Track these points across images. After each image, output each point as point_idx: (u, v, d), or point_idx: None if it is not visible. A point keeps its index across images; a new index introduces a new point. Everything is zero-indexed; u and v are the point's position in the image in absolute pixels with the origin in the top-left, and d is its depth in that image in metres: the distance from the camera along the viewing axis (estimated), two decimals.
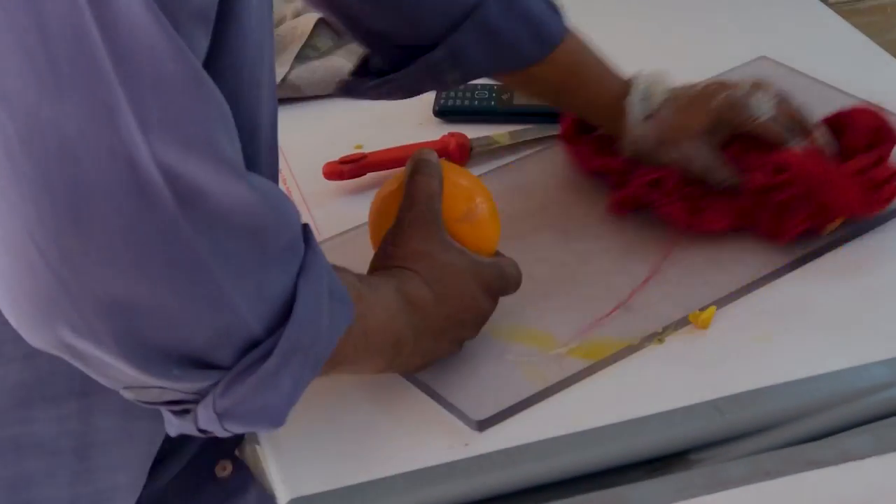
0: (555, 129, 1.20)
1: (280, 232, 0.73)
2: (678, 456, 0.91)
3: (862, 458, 0.88)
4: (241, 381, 0.73)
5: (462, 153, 1.18)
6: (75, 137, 0.64)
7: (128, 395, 0.74)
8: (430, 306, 0.89)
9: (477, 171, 1.16)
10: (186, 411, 0.75)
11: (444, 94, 1.25)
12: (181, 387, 0.73)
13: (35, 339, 0.70)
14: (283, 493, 0.89)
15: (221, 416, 0.74)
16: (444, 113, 1.25)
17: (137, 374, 0.70)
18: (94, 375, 0.72)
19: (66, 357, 0.71)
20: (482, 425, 0.91)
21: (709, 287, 1.01)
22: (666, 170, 1.05)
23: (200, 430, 0.76)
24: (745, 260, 1.03)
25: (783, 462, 0.89)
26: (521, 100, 1.25)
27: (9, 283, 0.67)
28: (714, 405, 0.92)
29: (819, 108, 1.20)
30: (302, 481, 0.89)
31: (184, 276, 0.68)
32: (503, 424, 0.92)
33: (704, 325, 0.98)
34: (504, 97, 1.25)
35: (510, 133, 1.22)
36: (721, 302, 0.99)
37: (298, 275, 0.75)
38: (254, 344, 0.73)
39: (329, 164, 1.17)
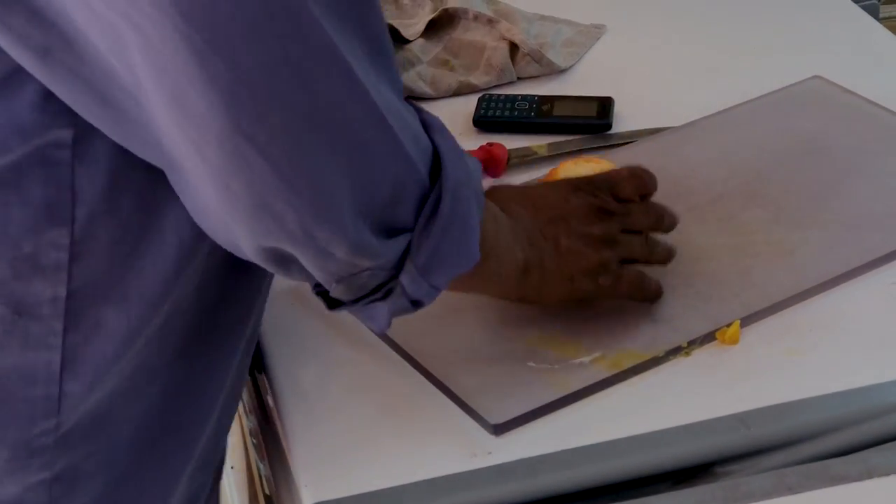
0: (594, 142, 1.22)
1: None
2: (702, 469, 0.92)
3: (887, 474, 0.89)
4: (428, 233, 0.80)
5: (500, 163, 1.20)
6: (258, 15, 0.68)
7: (338, 290, 0.80)
8: (528, 213, 0.93)
9: (515, 181, 1.18)
10: (391, 291, 0.81)
11: (483, 105, 1.27)
12: (382, 261, 0.79)
13: (254, 238, 0.75)
14: (307, 498, 0.91)
15: (424, 272, 0.81)
16: (483, 123, 1.27)
17: (348, 255, 0.77)
18: (309, 267, 0.78)
19: (278, 260, 0.77)
20: (499, 429, 0.92)
21: (739, 301, 1.02)
22: None
23: (412, 303, 0.82)
24: (777, 276, 1.04)
25: (807, 477, 0.89)
26: (561, 111, 1.27)
27: (226, 184, 0.72)
28: (740, 418, 0.93)
29: (871, 130, 1.21)
30: (325, 486, 0.92)
31: (371, 129, 0.74)
32: (524, 433, 0.93)
33: (732, 342, 0.99)
34: (544, 108, 1.27)
35: (549, 144, 1.23)
36: (750, 318, 1.00)
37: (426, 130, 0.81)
38: (423, 197, 0.80)
39: None
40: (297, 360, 0.98)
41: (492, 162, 1.20)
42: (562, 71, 1.36)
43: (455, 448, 0.93)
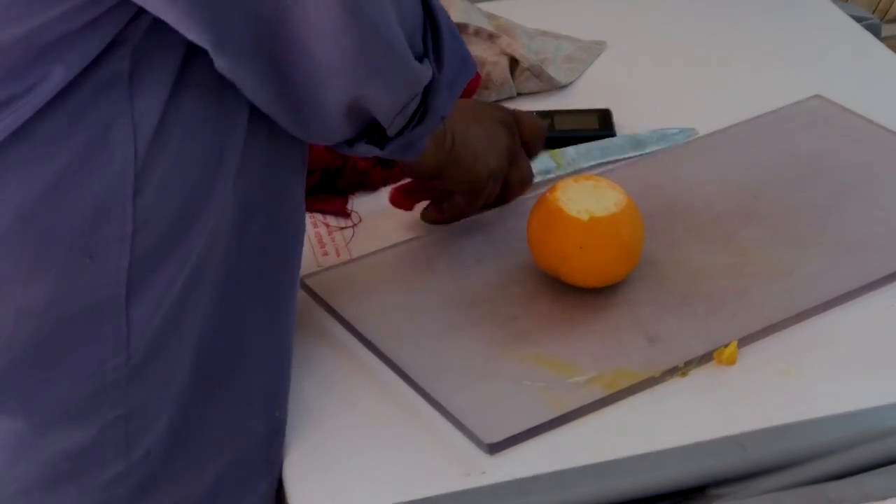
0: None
1: None
2: (698, 490, 0.92)
3: (883, 498, 0.89)
4: (440, 51, 0.90)
5: None
6: None
7: (397, 122, 0.89)
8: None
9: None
10: (426, 112, 0.91)
11: None
12: (422, 84, 0.89)
13: (355, 85, 0.83)
14: None
15: (452, 83, 0.92)
16: None
17: (410, 82, 0.87)
18: (386, 105, 0.87)
19: (356, 114, 0.86)
20: (493, 448, 0.92)
21: (736, 322, 1.02)
22: None
23: (442, 118, 0.93)
24: (774, 296, 1.04)
25: (802, 500, 0.89)
26: (562, 125, 1.27)
27: (343, 35, 0.81)
28: (736, 440, 0.93)
29: (871, 151, 1.21)
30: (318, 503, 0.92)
31: None
32: (519, 452, 0.93)
33: (730, 362, 0.98)
34: (545, 122, 1.27)
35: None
36: (748, 339, 1.00)
37: None
38: (423, 24, 0.90)
39: (396, 190, 1.17)
40: (292, 378, 0.98)
41: None
42: (562, 87, 1.36)
43: (449, 467, 0.92)
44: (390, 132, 0.89)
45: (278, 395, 0.95)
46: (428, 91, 0.90)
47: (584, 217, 1.03)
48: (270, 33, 0.79)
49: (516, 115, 1.15)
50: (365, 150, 0.90)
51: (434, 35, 0.90)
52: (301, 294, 1.06)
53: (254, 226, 0.89)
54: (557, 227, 1.03)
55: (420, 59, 0.88)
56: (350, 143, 0.89)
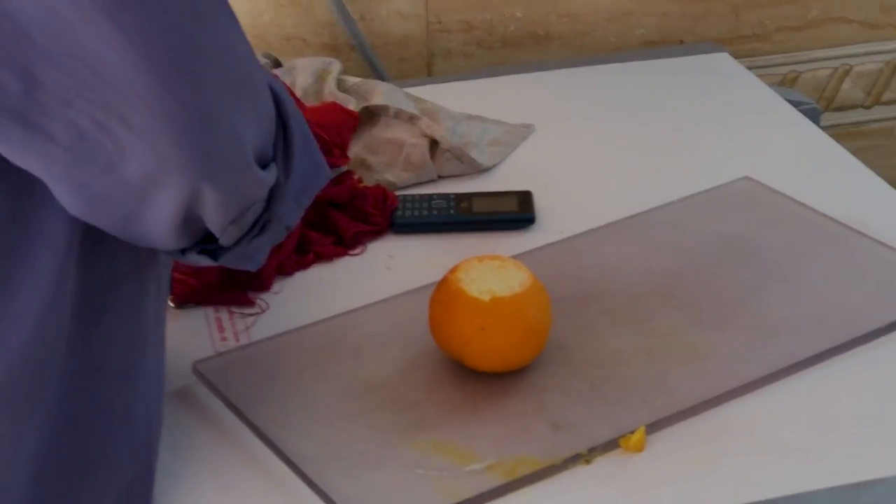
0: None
1: None
2: None
3: None
4: (290, 158, 0.85)
5: None
6: None
7: (230, 233, 0.82)
8: None
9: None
10: (268, 222, 0.86)
11: (399, 207, 1.24)
12: (264, 192, 0.83)
13: (178, 197, 0.77)
14: None
15: (298, 195, 0.87)
16: (401, 226, 1.23)
17: (248, 189, 0.81)
18: (215, 215, 0.80)
19: (186, 222, 0.79)
20: None
21: (647, 407, 0.97)
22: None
23: (287, 228, 0.88)
24: (688, 381, 1.00)
25: None
26: (480, 207, 1.23)
27: (169, 129, 0.74)
28: None
29: (798, 232, 1.18)
30: None
31: (253, 65, 0.81)
32: None
33: (637, 449, 0.94)
34: (463, 205, 1.24)
35: None
36: (657, 425, 0.96)
37: None
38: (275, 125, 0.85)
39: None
40: (176, 470, 0.93)
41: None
42: (485, 169, 1.33)
43: None
44: (223, 242, 0.84)
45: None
46: (272, 199, 0.85)
47: (486, 297, 0.99)
48: None
49: None
50: (196, 259, 0.84)
51: (285, 140, 0.85)
52: (193, 380, 1.03)
53: (93, 324, 0.83)
54: (458, 308, 0.99)
55: (266, 165, 0.83)
56: (182, 251, 0.83)
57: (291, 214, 0.87)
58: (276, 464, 0.95)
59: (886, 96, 1.76)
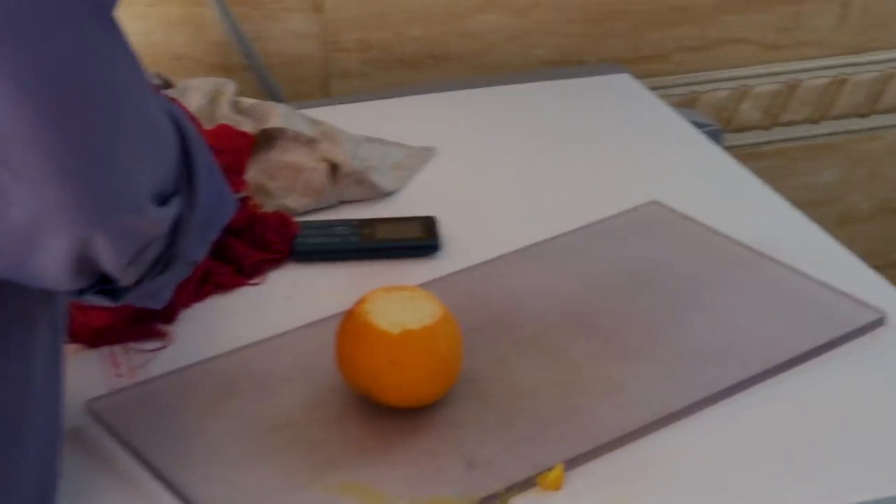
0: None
1: None
2: None
3: None
4: (194, 191, 0.80)
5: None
6: None
7: (129, 273, 0.77)
8: None
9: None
10: (172, 258, 0.81)
11: (301, 233, 1.19)
12: (163, 226, 0.77)
13: (68, 241, 0.72)
14: None
15: (203, 229, 0.82)
16: (303, 254, 1.19)
17: (144, 228, 0.75)
18: (110, 257, 0.75)
19: (79, 265, 0.74)
20: None
21: (564, 443, 0.94)
22: None
23: (193, 263, 0.84)
24: (605, 414, 0.97)
25: None
26: (384, 234, 1.20)
27: (56, 174, 0.69)
28: None
29: (709, 259, 1.16)
30: None
31: (151, 100, 0.76)
32: None
33: (555, 487, 0.91)
34: (366, 232, 1.20)
35: None
36: (576, 461, 0.93)
37: None
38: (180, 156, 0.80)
39: None
40: None
41: None
42: (387, 194, 1.29)
43: None
44: (122, 282, 0.79)
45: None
46: (175, 234, 0.80)
47: (396, 330, 0.95)
48: None
49: None
50: (95, 300, 0.79)
51: (188, 172, 0.80)
52: (87, 420, 0.98)
53: None
54: (366, 342, 0.95)
55: (167, 199, 0.78)
56: (79, 291, 0.78)
57: (197, 249, 0.83)
58: None
59: (784, 117, 1.76)
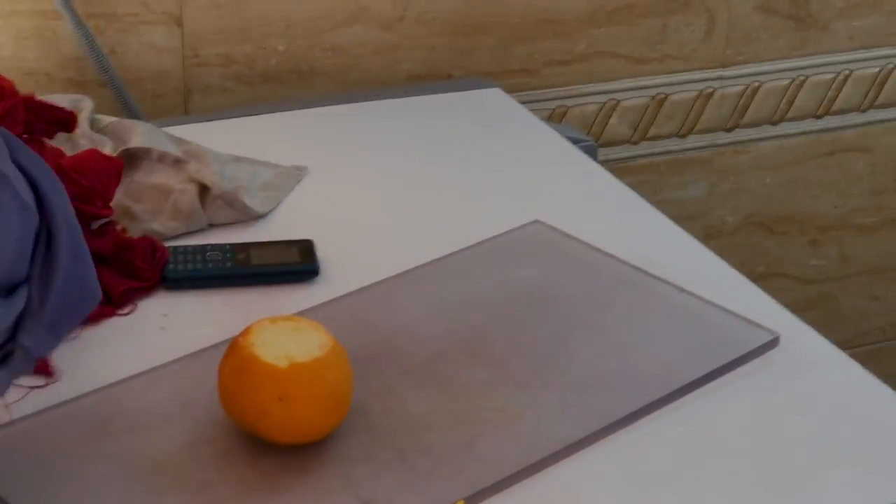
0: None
1: None
2: None
3: None
4: (48, 280, 0.74)
5: None
6: None
7: None
8: None
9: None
10: (10, 354, 0.76)
11: (171, 259, 1.13)
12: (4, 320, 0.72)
13: None
14: None
15: (57, 319, 0.76)
16: (174, 281, 1.13)
17: None
18: None
19: None
20: None
21: (463, 478, 0.90)
22: None
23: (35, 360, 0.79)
24: (504, 446, 0.94)
25: None
26: (260, 259, 1.14)
27: None
28: None
29: (594, 279, 1.14)
30: None
31: None
32: None
33: None
34: (240, 257, 1.14)
35: None
36: (476, 497, 0.89)
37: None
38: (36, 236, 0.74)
39: None
40: None
41: None
42: (259, 216, 1.24)
43: None
44: None
45: None
46: (18, 328, 0.74)
47: (284, 364, 0.90)
48: None
49: None
50: None
51: (48, 260, 0.74)
52: None
53: None
54: (252, 376, 0.90)
55: (12, 289, 0.72)
56: None
57: (41, 346, 0.77)
58: None
59: (652, 132, 1.75)
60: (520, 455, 0.93)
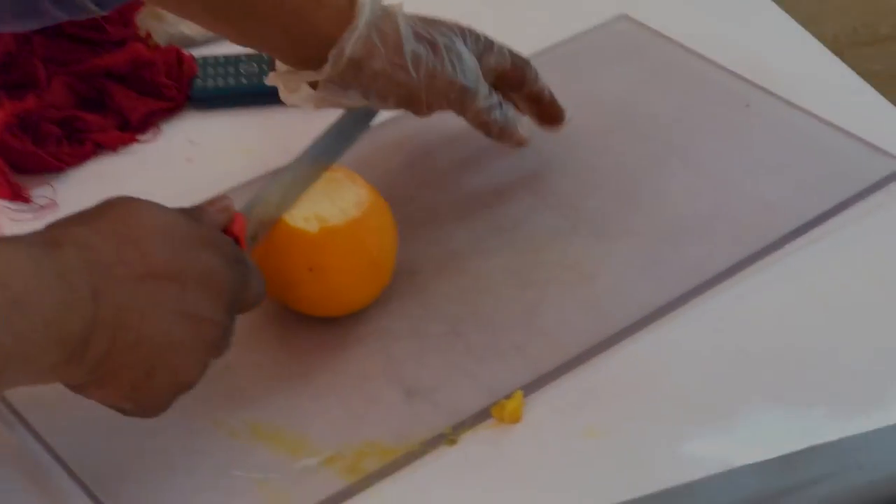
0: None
1: None
2: None
3: None
4: None
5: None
6: None
7: None
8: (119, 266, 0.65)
9: None
10: None
11: (200, 73, 1.00)
12: None
13: None
14: None
15: None
16: (202, 100, 1.00)
17: None
18: None
19: None
20: None
21: (522, 360, 0.78)
22: None
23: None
24: (573, 316, 0.81)
25: None
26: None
27: None
28: None
29: (698, 95, 0.99)
30: None
31: None
32: None
33: (513, 419, 0.75)
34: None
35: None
36: (537, 384, 0.77)
37: None
38: None
39: None
40: None
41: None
42: None
43: None
44: None
45: None
46: None
47: (313, 227, 0.78)
48: None
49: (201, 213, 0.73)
50: None
51: None
52: None
53: None
54: (278, 242, 0.78)
55: None
56: None
57: None
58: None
59: None
60: (592, 327, 0.80)
